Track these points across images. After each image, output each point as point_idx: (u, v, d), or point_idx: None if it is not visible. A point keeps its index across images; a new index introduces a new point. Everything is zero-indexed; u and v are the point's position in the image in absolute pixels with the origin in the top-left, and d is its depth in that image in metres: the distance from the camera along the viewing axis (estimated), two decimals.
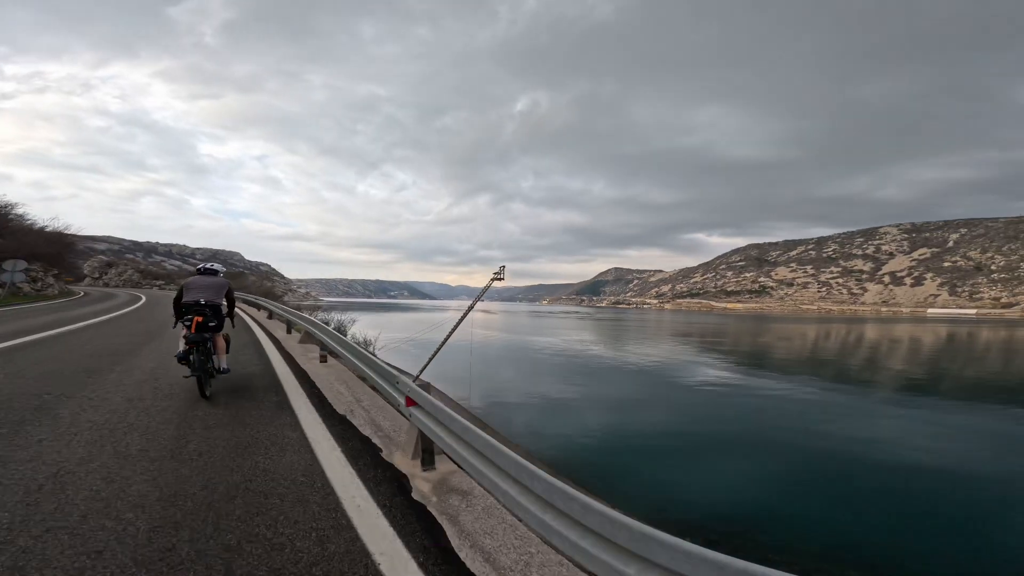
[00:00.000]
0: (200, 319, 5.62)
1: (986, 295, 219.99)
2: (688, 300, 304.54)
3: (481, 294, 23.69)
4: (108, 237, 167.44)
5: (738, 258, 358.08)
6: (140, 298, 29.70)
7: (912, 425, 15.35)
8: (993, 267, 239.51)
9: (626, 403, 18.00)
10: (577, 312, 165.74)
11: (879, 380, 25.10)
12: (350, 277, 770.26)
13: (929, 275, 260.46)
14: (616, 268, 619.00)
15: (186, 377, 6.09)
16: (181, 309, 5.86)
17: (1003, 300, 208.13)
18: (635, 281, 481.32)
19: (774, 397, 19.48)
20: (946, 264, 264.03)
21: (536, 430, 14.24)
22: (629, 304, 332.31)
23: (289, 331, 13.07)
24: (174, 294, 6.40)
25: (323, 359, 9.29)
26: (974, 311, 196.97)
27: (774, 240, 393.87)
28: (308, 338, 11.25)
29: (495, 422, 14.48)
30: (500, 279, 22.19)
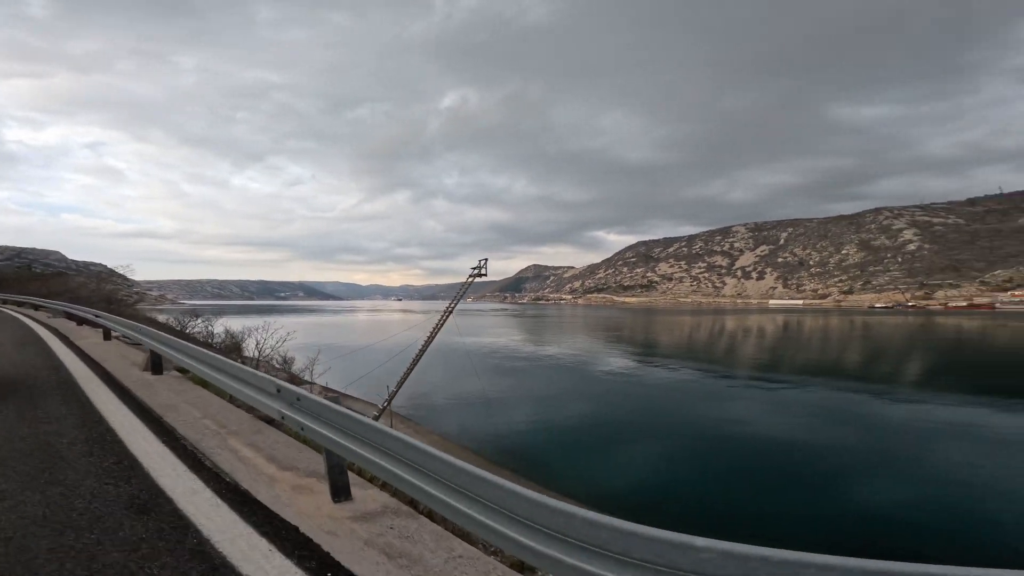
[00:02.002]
0: None
1: (808, 287, 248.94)
2: (595, 295, 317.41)
3: (462, 292, 19.40)
4: None
5: (631, 255, 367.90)
6: None
7: (757, 402, 19.49)
8: (812, 262, 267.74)
9: (552, 396, 20.76)
10: (505, 310, 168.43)
11: (736, 364, 31.27)
12: (222, 277, 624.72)
13: (768, 270, 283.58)
14: (535, 265, 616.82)
15: None
16: None
17: (819, 292, 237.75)
18: (551, 278, 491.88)
19: (660, 383, 23.94)
20: (780, 260, 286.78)
21: (483, 427, 15.53)
22: (548, 300, 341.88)
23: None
24: None
25: None
26: (801, 302, 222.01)
27: (656, 238, 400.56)
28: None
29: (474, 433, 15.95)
30: (483, 275, 18.39)
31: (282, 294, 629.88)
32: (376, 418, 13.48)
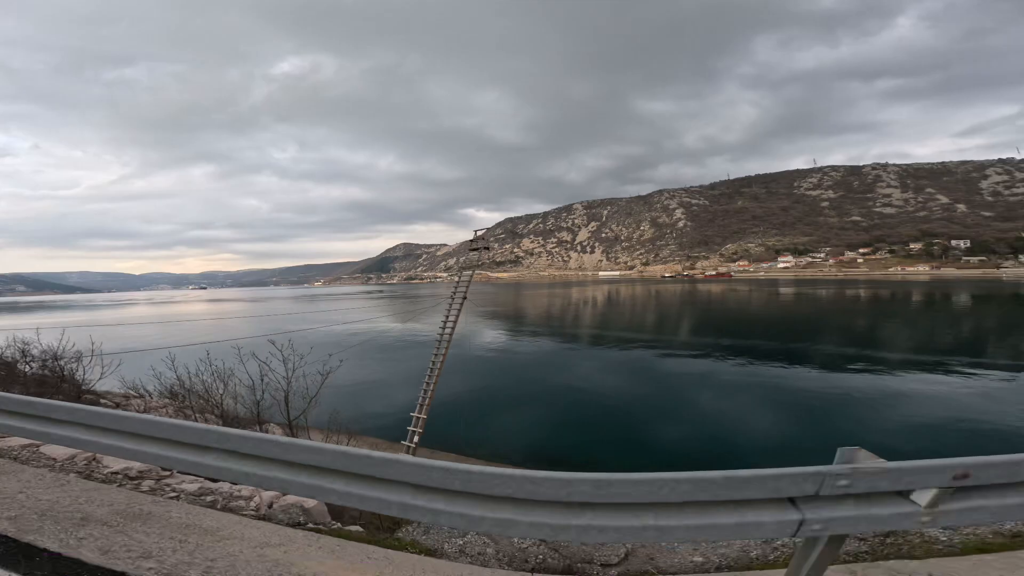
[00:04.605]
0: None
1: (622, 260, 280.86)
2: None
3: (470, 275, 15.15)
4: None
5: (500, 231, 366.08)
6: None
7: (592, 365, 22.38)
8: (622, 238, 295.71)
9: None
10: (380, 292, 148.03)
11: (580, 334, 36.63)
12: None
13: (597, 244, 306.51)
14: (405, 244, 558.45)
15: None
16: None
17: (628, 263, 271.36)
18: (424, 256, 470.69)
19: (526, 353, 25.80)
20: (603, 235, 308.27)
21: (375, 409, 15.10)
22: (422, 279, 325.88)
23: None
24: None
25: None
26: (618, 273, 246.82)
27: (519, 215, 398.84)
28: None
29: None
30: (486, 248, 14.17)
31: None
32: (413, 451, 9.26)
